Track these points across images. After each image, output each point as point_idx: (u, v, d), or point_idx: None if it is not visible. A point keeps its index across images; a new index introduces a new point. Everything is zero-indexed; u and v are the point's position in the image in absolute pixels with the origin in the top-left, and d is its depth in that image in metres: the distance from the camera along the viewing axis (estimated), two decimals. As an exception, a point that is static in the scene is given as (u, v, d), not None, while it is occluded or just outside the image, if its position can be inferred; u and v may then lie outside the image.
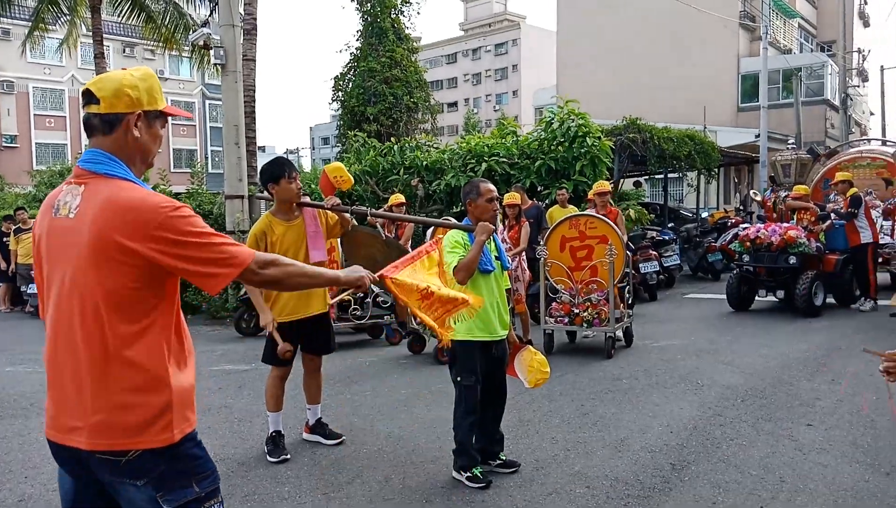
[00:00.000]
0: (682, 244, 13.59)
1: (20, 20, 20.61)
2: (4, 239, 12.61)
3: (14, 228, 12.53)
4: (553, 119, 11.45)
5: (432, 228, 7.50)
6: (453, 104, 63.98)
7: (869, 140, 20.14)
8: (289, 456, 4.47)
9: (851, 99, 31.19)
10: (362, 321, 8.14)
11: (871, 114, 44.65)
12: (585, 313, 7.19)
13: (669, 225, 15.15)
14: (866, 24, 45.85)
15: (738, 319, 9.28)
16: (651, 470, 4.11)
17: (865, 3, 44.77)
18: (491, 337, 3.98)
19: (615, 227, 7.51)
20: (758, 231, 9.32)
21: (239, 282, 8.92)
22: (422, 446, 4.64)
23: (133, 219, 1.78)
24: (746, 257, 9.43)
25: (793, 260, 8.97)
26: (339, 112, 20.93)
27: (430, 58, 60.02)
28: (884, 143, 15.75)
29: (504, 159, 11.23)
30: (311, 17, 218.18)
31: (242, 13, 11.57)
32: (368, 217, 4.55)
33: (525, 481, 4.02)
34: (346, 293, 4.43)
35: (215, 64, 11.17)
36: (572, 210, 8.90)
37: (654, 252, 11.23)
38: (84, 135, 1.96)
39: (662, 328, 8.74)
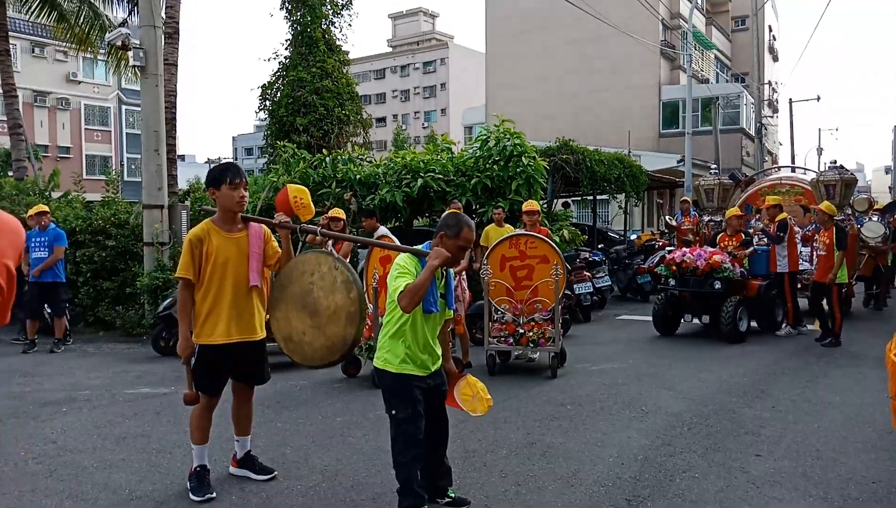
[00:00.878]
0: (611, 265, 13.71)
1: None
2: None
3: None
4: (489, 137, 11.34)
5: (369, 247, 7.18)
6: (382, 119, 63.65)
7: (792, 168, 21.13)
8: (214, 495, 4.03)
9: (766, 129, 32.76)
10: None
11: (780, 144, 47.16)
12: (531, 334, 7.02)
13: (599, 246, 15.31)
14: (775, 59, 48.57)
15: (671, 342, 9.33)
16: (606, 506, 3.90)
17: (774, 38, 47.44)
18: (423, 373, 3.66)
19: (555, 247, 7.39)
20: (683, 255, 9.36)
21: (156, 297, 8.23)
22: (362, 482, 4.29)
23: None
24: (672, 281, 9.46)
25: (718, 285, 9.04)
26: (267, 122, 20.24)
27: (358, 72, 59.57)
28: (799, 170, 16.46)
29: (440, 176, 11.01)
30: (234, 24, 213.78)
31: (164, 16, 10.99)
32: (317, 237, 4.16)
33: (476, 521, 3.74)
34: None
35: (134, 66, 10.57)
36: (508, 229, 8.76)
37: (588, 273, 11.24)
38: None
39: (599, 350, 8.67)
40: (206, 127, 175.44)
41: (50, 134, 37.71)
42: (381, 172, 11.53)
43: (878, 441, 4.97)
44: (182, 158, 46.12)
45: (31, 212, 9.25)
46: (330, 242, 4.48)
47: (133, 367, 7.98)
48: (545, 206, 12.80)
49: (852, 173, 11.40)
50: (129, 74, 15.80)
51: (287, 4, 19.77)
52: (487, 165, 10.96)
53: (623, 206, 18.14)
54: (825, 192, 10.94)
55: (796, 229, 12.01)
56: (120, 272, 10.50)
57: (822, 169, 13.20)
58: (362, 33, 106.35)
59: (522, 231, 7.81)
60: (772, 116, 42.23)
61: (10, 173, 15.85)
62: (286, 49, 20.08)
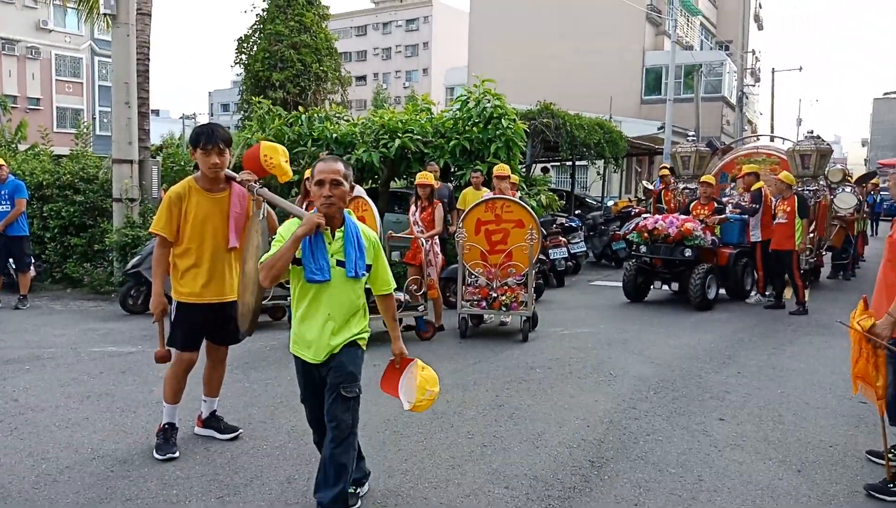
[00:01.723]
0: (587, 232, 13.74)
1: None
2: None
3: None
4: (468, 98, 11.20)
5: None
6: (362, 78, 62.76)
7: (770, 137, 21.17)
8: (177, 454, 4.00)
9: (747, 98, 32.80)
10: (263, 302, 7.61)
11: (761, 114, 47.29)
12: (503, 298, 7.03)
13: (576, 212, 15.32)
14: (760, 28, 48.39)
15: (642, 308, 9.41)
16: (570, 468, 3.94)
17: (760, 6, 47.21)
18: (313, 359, 3.18)
19: (531, 211, 7.37)
20: (656, 222, 9.39)
21: (125, 254, 8.06)
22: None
23: None
24: (644, 248, 9.49)
25: (688, 253, 9.08)
26: (243, 77, 19.83)
27: (339, 28, 58.49)
28: (778, 140, 16.52)
29: (418, 137, 10.88)
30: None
31: (138, -38, 10.60)
32: (255, 194, 3.87)
33: (441, 481, 3.76)
34: None
35: (105, 14, 10.20)
36: (486, 193, 8.70)
37: (563, 239, 11.25)
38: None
39: (571, 314, 8.72)
40: (183, 82, 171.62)
41: (19, 84, 36.68)
42: (359, 132, 11.37)
43: (838, 407, 5.07)
44: (156, 112, 45.22)
45: (-13, 165, 8.95)
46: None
47: (100, 325, 7.87)
48: (524, 170, 12.74)
49: (828, 144, 11.45)
50: (101, 24, 15.32)
51: (265, -45, 19.25)
52: (467, 127, 10.84)
53: (601, 172, 18.12)
54: (800, 162, 10.98)
55: (772, 198, 12.12)
56: (88, 229, 10.31)
57: (799, 139, 13.24)
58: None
59: (498, 195, 7.74)
60: (754, 86, 42.26)
61: (-24, 124, 15.40)
62: (264, 1, 19.59)
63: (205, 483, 3.71)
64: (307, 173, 8.22)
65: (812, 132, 11.72)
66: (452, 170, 10.82)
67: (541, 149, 14.31)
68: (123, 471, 3.83)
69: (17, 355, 6.44)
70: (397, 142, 10.75)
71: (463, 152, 10.73)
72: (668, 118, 21.78)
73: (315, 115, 12.09)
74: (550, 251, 10.75)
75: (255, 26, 19.30)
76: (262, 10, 19.28)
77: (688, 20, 35.96)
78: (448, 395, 5.23)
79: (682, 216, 9.54)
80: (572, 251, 11.77)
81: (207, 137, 3.89)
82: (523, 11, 35.05)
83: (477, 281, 7.27)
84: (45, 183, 10.48)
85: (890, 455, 3.73)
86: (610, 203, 17.45)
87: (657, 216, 9.78)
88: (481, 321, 7.85)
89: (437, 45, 63.93)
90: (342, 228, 3.15)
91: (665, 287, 9.75)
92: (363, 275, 3.18)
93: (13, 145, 13.08)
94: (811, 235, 10.75)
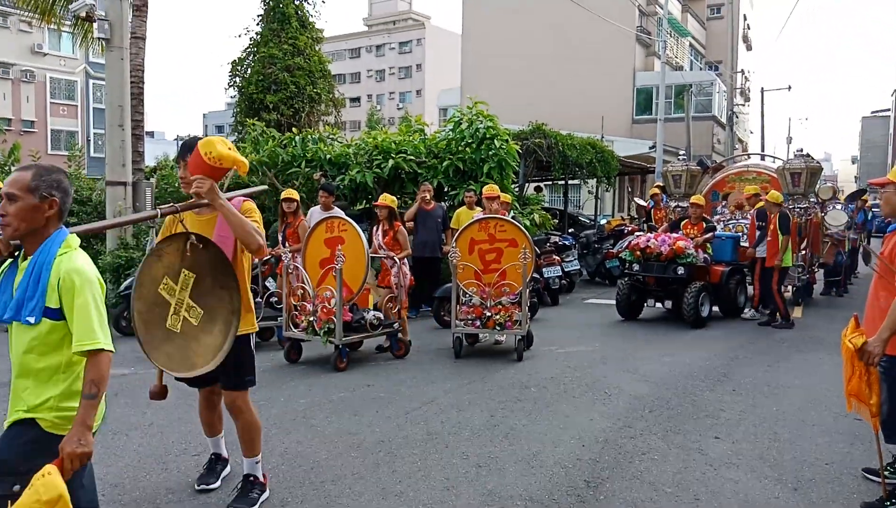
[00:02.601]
0: (581, 250, 13.77)
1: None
2: None
3: None
4: (461, 119, 11.27)
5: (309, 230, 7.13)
6: (356, 99, 63.08)
7: (761, 156, 21.33)
8: (210, 486, 3.86)
9: (737, 117, 33.09)
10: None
11: (751, 132, 47.69)
12: (498, 317, 7.02)
13: (569, 231, 15.36)
14: (749, 48, 48.99)
15: (636, 326, 9.41)
16: (566, 488, 3.92)
17: (748, 27, 47.82)
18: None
19: (524, 230, 7.39)
20: (648, 241, 9.43)
21: (118, 276, 7.97)
22: (322, 464, 4.26)
23: None
24: (636, 266, 9.52)
25: (681, 271, 9.11)
26: (237, 99, 19.91)
27: (333, 51, 58.89)
28: (768, 158, 16.64)
29: (412, 157, 10.93)
30: None
31: (132, -12, 10.71)
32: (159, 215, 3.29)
33: (435, 502, 3.73)
34: None
35: (98, 38, 10.27)
36: (478, 212, 8.72)
37: (557, 257, 11.28)
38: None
39: (566, 333, 8.72)
40: (178, 104, 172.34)
41: (13, 107, 36.74)
42: (352, 153, 11.41)
43: (833, 424, 5.07)
44: (151, 134, 45.27)
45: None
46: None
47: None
48: (517, 189, 12.79)
49: (818, 162, 11.55)
50: (96, 47, 15.40)
51: (259, -21, 19.42)
52: (460, 148, 10.91)
53: (594, 191, 18.22)
54: (791, 180, 11.06)
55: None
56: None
57: (789, 157, 13.35)
58: (339, 12, 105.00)
59: (491, 215, 7.76)
60: (743, 105, 42.68)
61: (-30, 147, 15.41)
62: (258, 25, 19.74)
63: (197, 506, 3.67)
64: (283, 194, 8.28)
65: (802, 150, 11.81)
66: (446, 190, 10.87)
67: (533, 168, 14.38)
68: (115, 495, 3.79)
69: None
70: (391, 162, 10.80)
71: (456, 172, 10.78)
72: (659, 137, 21.95)
73: (309, 136, 12.14)
74: (544, 270, 10.77)
75: (250, 49, 19.43)
76: (256, 34, 19.43)
77: (677, 41, 36.40)
78: (443, 415, 5.20)
79: (674, 235, 9.59)
80: (566, 270, 11.78)
81: (181, 151, 3.58)
82: (514, 33, 35.41)
83: (471, 300, 7.27)
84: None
85: (886, 473, 3.73)
86: (603, 222, 17.53)
87: (649, 235, 9.82)
88: (476, 341, 7.84)
89: (430, 67, 64.40)
90: (32, 257, 2.42)
91: (659, 305, 9.77)
92: (33, 321, 2.37)
93: (6, 168, 13.08)
94: (803, 252, 10.83)
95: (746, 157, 23.18)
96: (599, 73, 33.58)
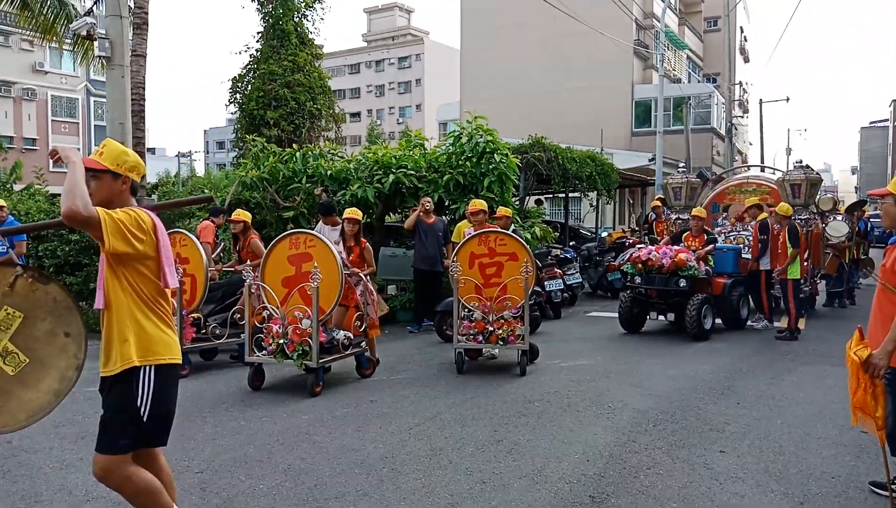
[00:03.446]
0: (582, 263, 13.78)
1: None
2: None
3: None
4: (461, 134, 11.31)
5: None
6: (356, 115, 63.36)
7: (760, 167, 21.36)
8: None
9: (736, 129, 33.20)
10: (220, 340, 7.43)
11: (751, 144, 47.82)
12: (500, 331, 7.00)
13: (570, 244, 15.37)
14: (746, 60, 49.23)
15: (639, 338, 9.39)
16: (570, 504, 3.90)
17: (745, 40, 48.07)
18: None
19: (525, 244, 7.39)
20: (649, 253, 9.43)
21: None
22: (325, 480, 4.24)
23: None
24: (638, 279, 9.50)
25: (683, 283, 9.10)
26: (237, 115, 19.98)
27: (332, 67, 59.23)
28: (768, 169, 16.67)
29: (412, 172, 10.95)
30: (207, 15, 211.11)
31: (132, 6, 10.77)
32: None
33: (440, 519, 3.71)
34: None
35: (99, 57, 10.33)
36: (470, 228, 8.70)
37: (559, 270, 11.28)
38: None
39: (569, 346, 8.70)
40: (180, 120, 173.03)
41: (15, 125, 36.84)
42: (353, 168, 11.43)
43: (839, 437, 5.04)
44: (152, 150, 45.41)
45: (-11, 207, 8.97)
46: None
47: (94, 364, 7.76)
48: (517, 203, 12.81)
49: (817, 173, 11.58)
50: (97, 65, 15.48)
51: (259, -4, 19.53)
52: (460, 162, 10.93)
53: (595, 203, 18.25)
54: (790, 191, 11.09)
55: (776, 226, 12.25)
56: (84, 267, 10.28)
57: (789, 168, 13.39)
58: (338, 28, 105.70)
59: (488, 229, 7.69)
60: (742, 117, 42.81)
61: (-28, 165, 15.45)
62: (257, 42, 19.84)
63: (201, 525, 3.65)
64: (233, 215, 8.21)
65: (801, 161, 11.85)
66: (447, 204, 10.89)
67: (533, 182, 14.40)
68: (118, 514, 3.77)
69: None
70: (391, 177, 10.82)
71: (456, 186, 10.80)
72: (659, 150, 21.99)
73: (309, 152, 12.16)
74: (546, 283, 10.76)
75: (250, 66, 19.52)
76: (256, 51, 19.52)
77: (675, 54, 36.56)
78: (446, 431, 5.18)
79: (676, 247, 9.59)
80: (568, 283, 11.78)
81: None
82: (513, 48, 35.63)
83: (472, 315, 7.25)
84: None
85: (893, 487, 3.70)
86: (604, 234, 17.54)
87: (651, 247, 9.82)
88: (479, 355, 7.80)
89: (430, 82, 64.75)
90: None
91: (661, 318, 9.75)
92: None
93: (8, 186, 13.11)
94: (805, 263, 10.83)
95: (746, 168, 23.25)
96: (598, 86, 33.74)
